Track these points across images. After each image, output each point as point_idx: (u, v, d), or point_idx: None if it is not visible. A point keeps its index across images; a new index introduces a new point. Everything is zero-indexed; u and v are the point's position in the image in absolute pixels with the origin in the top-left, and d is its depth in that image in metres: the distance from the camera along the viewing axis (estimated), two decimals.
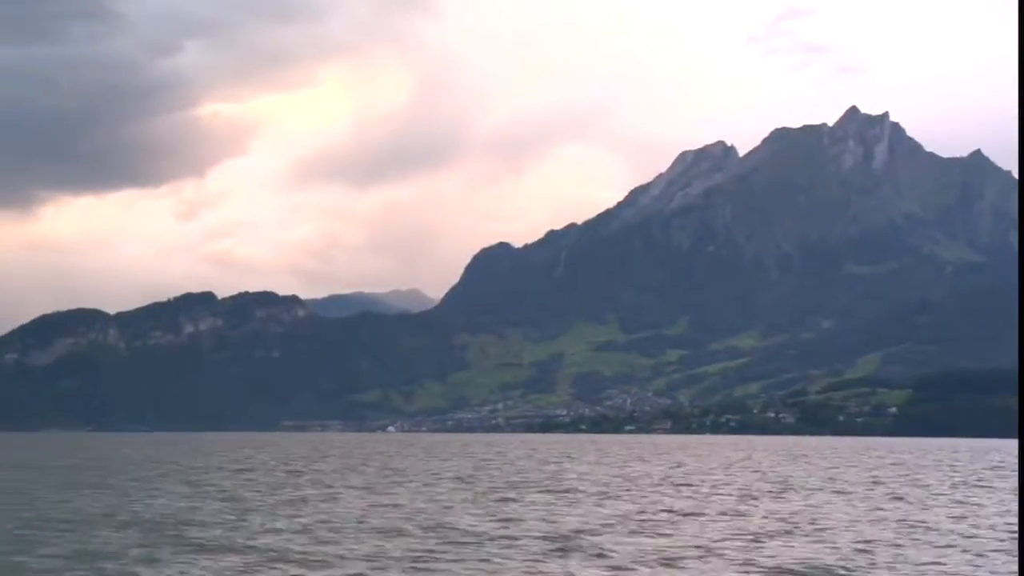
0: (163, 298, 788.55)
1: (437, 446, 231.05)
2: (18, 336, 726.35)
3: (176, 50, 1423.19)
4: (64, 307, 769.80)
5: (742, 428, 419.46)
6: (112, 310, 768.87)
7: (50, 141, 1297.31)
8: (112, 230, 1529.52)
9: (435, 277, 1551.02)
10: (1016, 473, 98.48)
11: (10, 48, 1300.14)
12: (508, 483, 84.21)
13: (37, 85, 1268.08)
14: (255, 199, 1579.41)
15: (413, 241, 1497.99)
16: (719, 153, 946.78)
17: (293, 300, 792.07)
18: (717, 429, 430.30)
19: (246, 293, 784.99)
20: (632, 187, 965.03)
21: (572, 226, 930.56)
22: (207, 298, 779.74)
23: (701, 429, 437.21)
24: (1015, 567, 22.56)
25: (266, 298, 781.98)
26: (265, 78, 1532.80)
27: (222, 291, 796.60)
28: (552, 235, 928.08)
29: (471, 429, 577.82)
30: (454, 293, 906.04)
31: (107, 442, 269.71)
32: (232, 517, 54.07)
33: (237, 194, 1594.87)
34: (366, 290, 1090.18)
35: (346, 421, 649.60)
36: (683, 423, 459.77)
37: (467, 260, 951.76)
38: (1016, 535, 43.03)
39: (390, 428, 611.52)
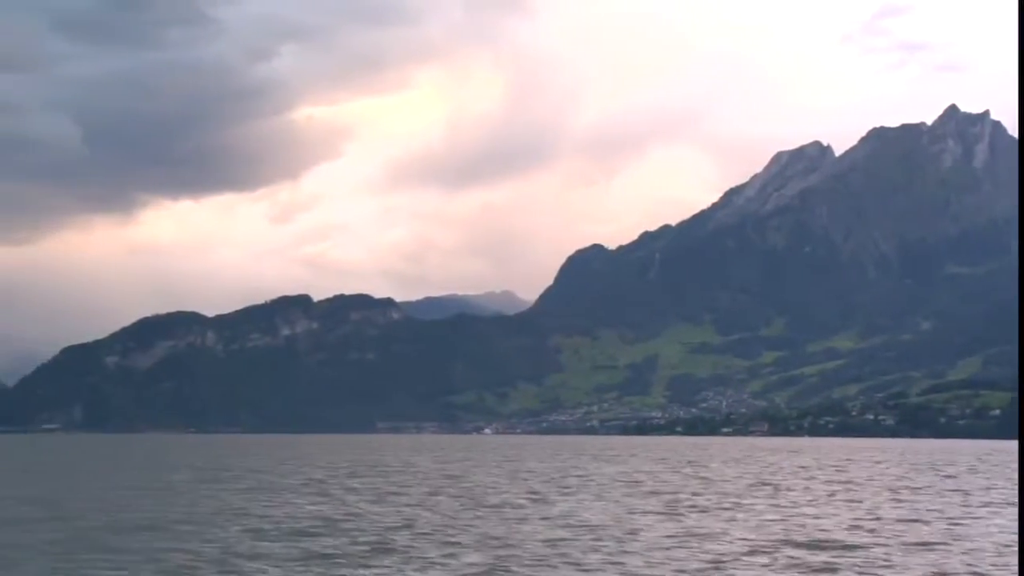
0: (259, 301, 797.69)
1: (575, 447, 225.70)
2: (119, 339, 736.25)
3: (273, 54, 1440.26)
4: (163, 310, 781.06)
5: (841, 430, 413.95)
6: (210, 313, 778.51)
7: (150, 146, 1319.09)
8: (209, 233, 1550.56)
9: (528, 279, 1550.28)
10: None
11: (112, 56, 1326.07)
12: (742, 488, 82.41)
13: (137, 91, 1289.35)
14: (349, 202, 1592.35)
15: (506, 243, 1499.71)
16: (815, 153, 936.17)
17: (388, 303, 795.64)
18: (816, 432, 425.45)
19: (342, 296, 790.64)
20: (726, 188, 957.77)
21: (666, 227, 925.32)
22: (303, 301, 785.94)
23: (799, 431, 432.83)
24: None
25: (361, 301, 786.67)
26: (360, 81, 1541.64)
27: (316, 294, 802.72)
28: (646, 236, 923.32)
29: (566, 431, 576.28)
30: (548, 295, 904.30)
31: (222, 444, 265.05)
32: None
33: (331, 197, 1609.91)
34: (460, 292, 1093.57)
35: (440, 423, 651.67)
36: (780, 425, 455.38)
37: (561, 262, 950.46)
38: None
39: (486, 430, 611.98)
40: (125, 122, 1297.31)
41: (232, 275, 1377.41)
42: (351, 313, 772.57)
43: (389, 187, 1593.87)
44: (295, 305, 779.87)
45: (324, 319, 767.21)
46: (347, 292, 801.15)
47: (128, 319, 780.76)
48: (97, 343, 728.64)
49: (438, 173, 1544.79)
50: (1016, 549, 39.59)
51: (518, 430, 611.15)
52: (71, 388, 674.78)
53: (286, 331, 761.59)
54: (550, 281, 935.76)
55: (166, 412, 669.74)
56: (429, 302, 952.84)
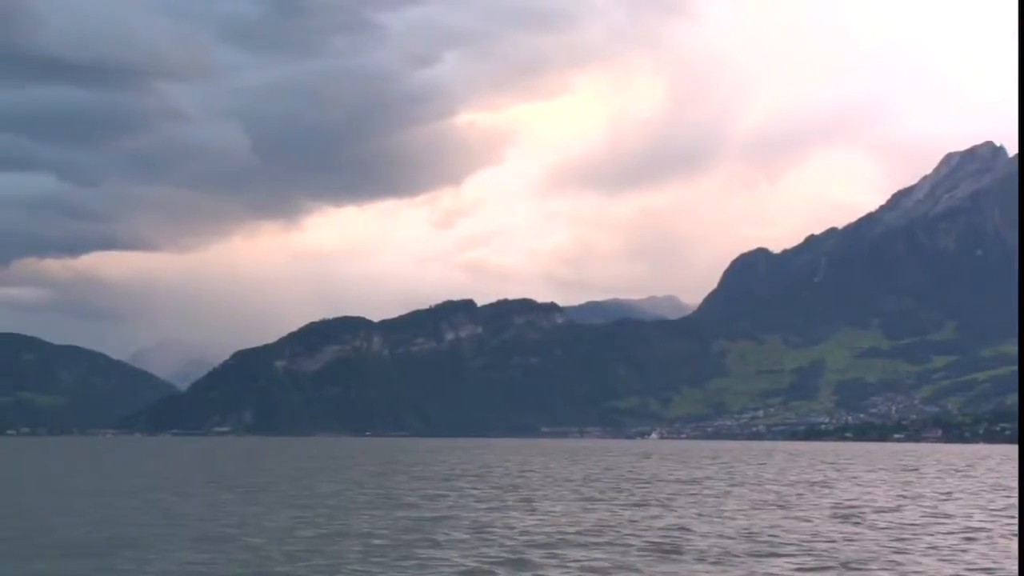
0: (421, 305, 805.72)
1: (796, 453, 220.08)
2: (287, 344, 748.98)
3: (435, 60, 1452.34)
4: (328, 315, 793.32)
5: (1016, 437, 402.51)
6: (374, 317, 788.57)
7: (315, 153, 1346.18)
8: (372, 239, 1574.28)
9: (691, 283, 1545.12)
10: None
11: (278, 65, 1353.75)
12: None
13: (302, 99, 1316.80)
14: (510, 207, 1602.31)
15: (668, 247, 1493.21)
16: (987, 154, 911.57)
17: (551, 307, 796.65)
18: (991, 438, 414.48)
19: (505, 300, 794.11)
20: (893, 190, 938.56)
21: (832, 230, 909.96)
22: (467, 305, 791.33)
23: (973, 438, 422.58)
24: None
25: (525, 305, 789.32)
26: (521, 86, 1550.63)
27: (478, 298, 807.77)
28: (812, 240, 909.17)
29: (731, 436, 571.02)
30: (712, 299, 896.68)
31: (419, 448, 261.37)
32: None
33: (492, 202, 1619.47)
34: (622, 297, 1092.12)
35: (604, 427, 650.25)
36: (954, 432, 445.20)
37: (724, 266, 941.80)
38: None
39: (652, 435, 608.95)
40: (291, 130, 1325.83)
41: (395, 280, 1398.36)
42: (515, 317, 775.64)
43: (549, 192, 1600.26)
44: (459, 310, 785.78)
45: (488, 323, 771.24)
46: (509, 297, 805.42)
47: (295, 324, 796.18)
48: (266, 347, 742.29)
49: (598, 177, 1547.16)
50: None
51: (683, 435, 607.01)
52: (241, 392, 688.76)
53: (450, 335, 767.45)
54: (713, 285, 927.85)
55: (333, 416, 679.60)
56: (591, 307, 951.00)
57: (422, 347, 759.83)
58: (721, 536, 45.91)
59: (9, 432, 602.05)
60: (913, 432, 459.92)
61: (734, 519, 54.21)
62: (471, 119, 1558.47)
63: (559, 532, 46.98)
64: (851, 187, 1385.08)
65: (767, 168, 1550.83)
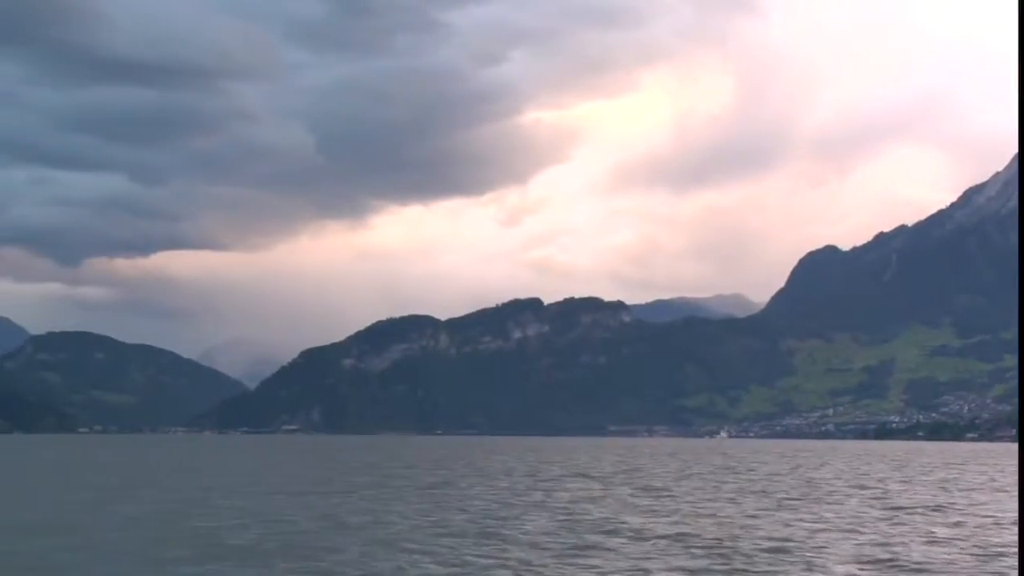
0: (487, 304, 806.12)
1: (882, 454, 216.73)
2: (355, 342, 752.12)
3: (501, 59, 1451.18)
4: (395, 313, 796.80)
5: None
6: (441, 316, 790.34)
7: (381, 152, 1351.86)
8: (438, 238, 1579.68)
9: (759, 281, 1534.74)
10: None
11: (344, 64, 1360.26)
12: None
13: (367, 98, 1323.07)
14: (576, 205, 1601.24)
15: (735, 245, 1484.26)
16: None
17: (618, 305, 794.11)
18: None
19: (572, 299, 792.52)
20: (963, 187, 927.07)
21: (902, 228, 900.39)
22: (534, 304, 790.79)
23: None
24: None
25: (592, 304, 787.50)
26: (588, 84, 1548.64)
27: (544, 297, 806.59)
28: (881, 237, 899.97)
29: (800, 436, 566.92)
30: (780, 297, 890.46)
31: (499, 447, 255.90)
32: None
33: (558, 201, 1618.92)
34: (689, 295, 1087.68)
35: (672, 426, 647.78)
36: None
37: (792, 264, 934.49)
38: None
39: (721, 434, 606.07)
40: (357, 129, 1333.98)
41: (461, 279, 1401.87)
42: (581, 316, 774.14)
43: (615, 190, 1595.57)
44: (526, 308, 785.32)
45: (555, 322, 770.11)
46: (575, 295, 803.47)
47: (362, 323, 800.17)
48: (334, 346, 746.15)
49: (664, 175, 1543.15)
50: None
51: (751, 434, 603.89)
52: (310, 390, 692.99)
53: (517, 334, 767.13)
54: (781, 283, 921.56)
55: (400, 414, 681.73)
56: (658, 305, 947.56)
57: (489, 346, 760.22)
58: None
59: (81, 430, 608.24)
60: (986, 431, 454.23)
61: None
62: (538, 117, 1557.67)
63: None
64: (921, 184, 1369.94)
65: (836, 165, 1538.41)
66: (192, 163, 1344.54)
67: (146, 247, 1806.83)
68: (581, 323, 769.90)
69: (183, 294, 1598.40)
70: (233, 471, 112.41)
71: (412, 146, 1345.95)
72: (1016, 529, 46.59)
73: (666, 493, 74.55)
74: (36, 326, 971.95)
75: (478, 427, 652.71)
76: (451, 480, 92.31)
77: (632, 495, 72.36)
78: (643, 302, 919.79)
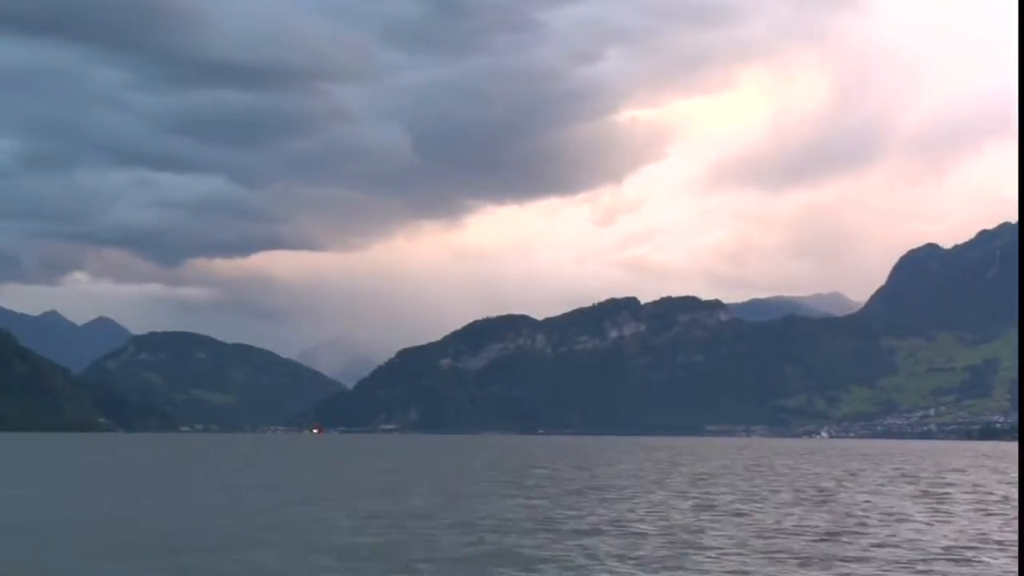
0: (583, 303, 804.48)
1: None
2: (451, 342, 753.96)
3: (598, 58, 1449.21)
4: (490, 313, 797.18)
5: None
6: (536, 315, 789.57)
7: (476, 152, 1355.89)
8: (533, 237, 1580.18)
9: (858, 280, 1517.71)
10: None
11: (440, 64, 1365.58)
12: None
13: (464, 97, 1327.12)
14: (671, 204, 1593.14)
15: (833, 244, 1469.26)
16: None
17: (716, 304, 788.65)
18: None
19: (669, 298, 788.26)
20: None
21: (1005, 225, 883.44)
22: (630, 303, 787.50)
23: None
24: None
25: (689, 303, 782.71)
26: (683, 82, 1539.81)
27: (640, 296, 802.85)
28: (984, 235, 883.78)
29: (901, 436, 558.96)
30: (880, 296, 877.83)
31: (610, 448, 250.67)
32: None
33: (653, 200, 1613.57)
34: (786, 294, 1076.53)
35: (771, 426, 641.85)
36: None
37: (892, 262, 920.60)
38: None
39: (822, 434, 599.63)
40: (453, 129, 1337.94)
41: (556, 278, 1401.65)
42: (678, 315, 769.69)
43: (711, 188, 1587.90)
44: (622, 307, 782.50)
45: (651, 321, 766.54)
46: (672, 294, 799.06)
47: (458, 322, 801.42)
48: (431, 346, 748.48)
49: (760, 173, 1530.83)
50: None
51: (851, 434, 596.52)
52: (407, 390, 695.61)
53: (614, 333, 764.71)
54: (881, 282, 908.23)
55: (497, 414, 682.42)
56: (755, 304, 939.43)
57: (585, 345, 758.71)
58: None
59: (183, 429, 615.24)
60: None
61: None
62: (633, 116, 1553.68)
63: None
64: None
65: (936, 162, 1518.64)
66: (290, 164, 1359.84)
67: (245, 248, 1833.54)
68: (678, 322, 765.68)
69: (281, 294, 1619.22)
70: (447, 473, 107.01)
71: (508, 146, 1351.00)
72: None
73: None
74: (138, 326, 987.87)
75: (575, 427, 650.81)
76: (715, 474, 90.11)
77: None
78: (740, 301, 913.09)
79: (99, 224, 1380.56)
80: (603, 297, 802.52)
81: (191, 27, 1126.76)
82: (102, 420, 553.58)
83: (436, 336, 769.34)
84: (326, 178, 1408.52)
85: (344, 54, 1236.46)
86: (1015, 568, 37.12)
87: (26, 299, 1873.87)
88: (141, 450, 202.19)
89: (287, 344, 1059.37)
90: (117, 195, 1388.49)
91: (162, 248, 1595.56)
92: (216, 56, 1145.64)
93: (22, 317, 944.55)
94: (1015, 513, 58.07)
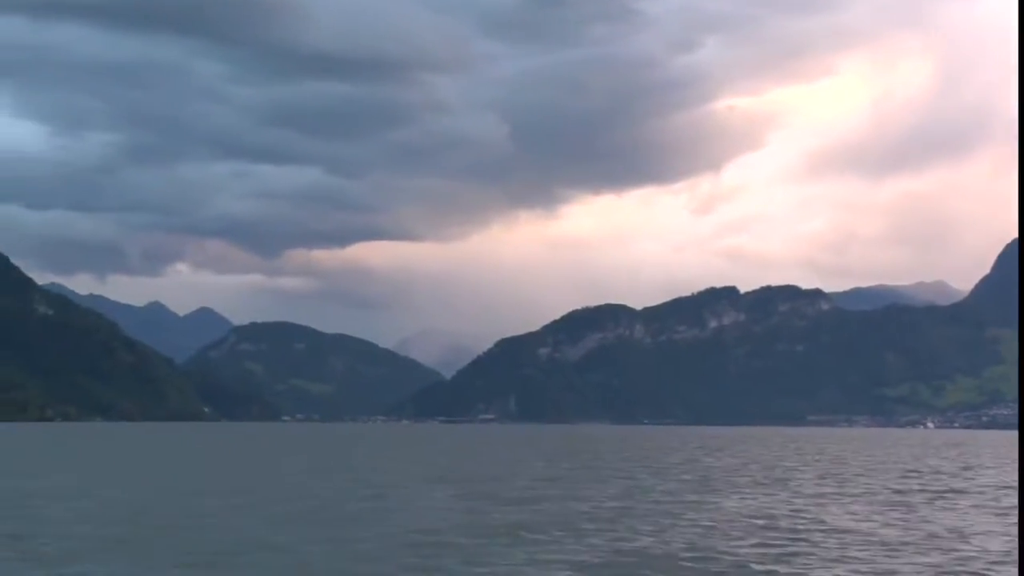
0: (681, 293, 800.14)
1: None
2: (550, 332, 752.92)
3: (696, 46, 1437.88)
4: (589, 303, 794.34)
5: None
6: (634, 305, 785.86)
7: (573, 142, 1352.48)
8: (630, 227, 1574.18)
9: (962, 268, 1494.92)
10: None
11: (537, 54, 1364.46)
12: None
13: (561, 87, 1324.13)
14: (769, 193, 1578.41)
15: (935, 232, 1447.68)
16: None
17: (816, 293, 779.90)
18: None
19: (768, 287, 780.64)
20: None
21: None
22: (730, 292, 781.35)
23: None
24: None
25: (789, 292, 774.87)
26: (783, 70, 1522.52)
27: (739, 285, 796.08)
28: None
29: (1008, 426, 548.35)
30: (984, 284, 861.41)
31: (730, 438, 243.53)
32: None
33: (752, 188, 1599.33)
34: (888, 282, 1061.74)
35: (873, 416, 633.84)
36: None
37: (997, 250, 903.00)
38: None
39: (928, 423, 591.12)
40: (549, 119, 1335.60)
41: (654, 267, 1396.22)
42: (778, 304, 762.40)
43: (810, 176, 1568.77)
44: (722, 297, 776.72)
45: (751, 310, 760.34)
46: (772, 283, 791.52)
47: (555, 312, 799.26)
48: (530, 335, 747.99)
49: (861, 161, 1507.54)
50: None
51: (956, 424, 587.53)
52: (505, 380, 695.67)
53: (713, 323, 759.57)
54: (986, 270, 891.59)
55: (596, 403, 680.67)
56: (856, 293, 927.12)
57: (684, 335, 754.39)
58: None
59: (284, 419, 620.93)
60: None
61: None
62: (731, 104, 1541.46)
63: None
64: None
65: None
66: (388, 155, 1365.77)
67: (343, 238, 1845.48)
68: (778, 311, 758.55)
69: (379, 284, 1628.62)
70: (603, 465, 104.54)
71: (605, 135, 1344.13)
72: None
73: None
74: (238, 317, 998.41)
75: (675, 416, 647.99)
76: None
77: None
78: (840, 290, 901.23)
79: (200, 216, 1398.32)
80: (701, 286, 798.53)
81: (291, 20, 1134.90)
82: (206, 409, 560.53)
83: (533, 326, 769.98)
84: (424, 168, 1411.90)
85: (442, 45, 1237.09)
86: None
87: (130, 290, 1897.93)
88: (283, 439, 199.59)
89: (385, 334, 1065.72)
90: (218, 187, 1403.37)
91: (261, 239, 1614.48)
92: (315, 48, 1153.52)
93: (127, 308, 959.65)
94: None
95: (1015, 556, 37.10)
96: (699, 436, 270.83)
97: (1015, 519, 49.37)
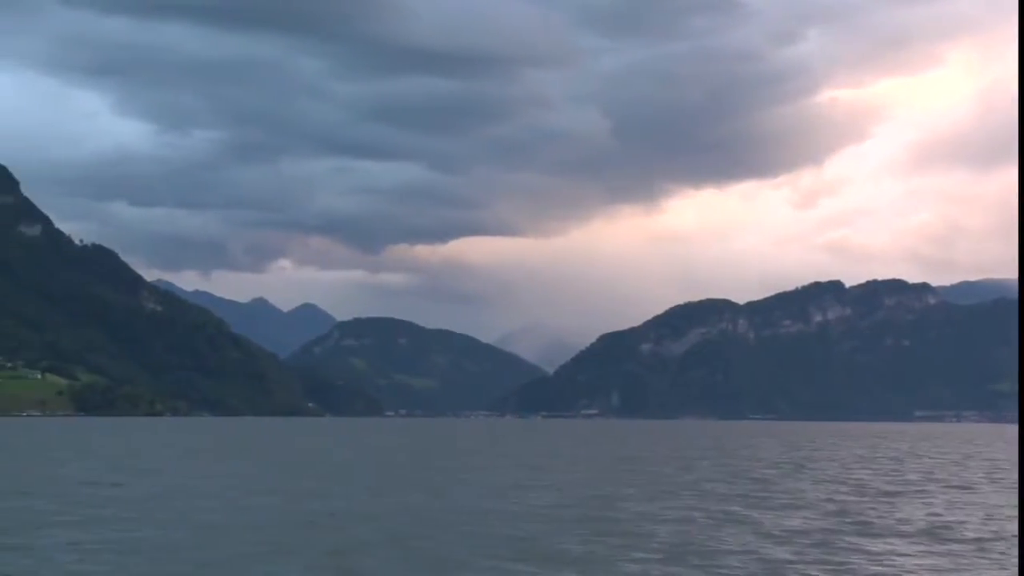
0: (784, 287, 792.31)
1: None
2: (652, 327, 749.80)
3: (798, 38, 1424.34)
4: (692, 298, 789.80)
5: None
6: (737, 299, 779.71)
7: (674, 135, 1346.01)
8: (731, 221, 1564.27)
9: None
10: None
11: (638, 47, 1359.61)
12: None
13: (662, 81, 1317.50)
14: (873, 186, 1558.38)
15: None
16: None
17: (923, 287, 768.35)
18: None
19: (874, 281, 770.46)
20: None
21: None
22: (835, 287, 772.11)
23: None
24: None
25: (895, 286, 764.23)
26: (887, 61, 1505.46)
27: (842, 279, 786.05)
28: None
29: None
30: None
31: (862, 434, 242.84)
32: None
33: (855, 181, 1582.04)
34: (997, 276, 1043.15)
35: (982, 411, 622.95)
36: None
37: None
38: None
39: None
40: (651, 113, 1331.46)
41: (756, 261, 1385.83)
42: (884, 298, 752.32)
43: (915, 169, 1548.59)
44: (826, 291, 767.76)
45: (856, 304, 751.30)
46: (879, 277, 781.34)
47: (657, 307, 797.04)
48: (632, 331, 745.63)
49: (967, 153, 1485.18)
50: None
51: None
52: (608, 375, 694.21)
53: (818, 317, 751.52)
54: None
55: (699, 398, 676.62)
56: (964, 287, 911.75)
57: (789, 329, 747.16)
58: None
59: (388, 414, 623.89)
60: None
61: None
62: (834, 96, 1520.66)
63: None
64: None
65: None
66: (488, 150, 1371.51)
67: (444, 234, 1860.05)
68: (884, 305, 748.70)
69: (480, 279, 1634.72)
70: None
71: (706, 129, 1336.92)
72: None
73: None
74: (341, 312, 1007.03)
75: (777, 412, 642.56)
76: None
77: None
78: (947, 284, 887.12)
79: (303, 212, 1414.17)
80: (804, 280, 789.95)
81: (392, 15, 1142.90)
82: (310, 404, 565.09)
83: (634, 321, 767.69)
84: (524, 163, 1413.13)
85: (542, 39, 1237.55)
86: None
87: (235, 286, 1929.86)
88: (424, 435, 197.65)
89: (486, 329, 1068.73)
90: (319, 183, 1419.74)
91: (364, 235, 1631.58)
92: (415, 44, 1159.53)
93: (232, 304, 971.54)
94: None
95: None
96: (841, 432, 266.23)
97: None
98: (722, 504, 49.71)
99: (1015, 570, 32.88)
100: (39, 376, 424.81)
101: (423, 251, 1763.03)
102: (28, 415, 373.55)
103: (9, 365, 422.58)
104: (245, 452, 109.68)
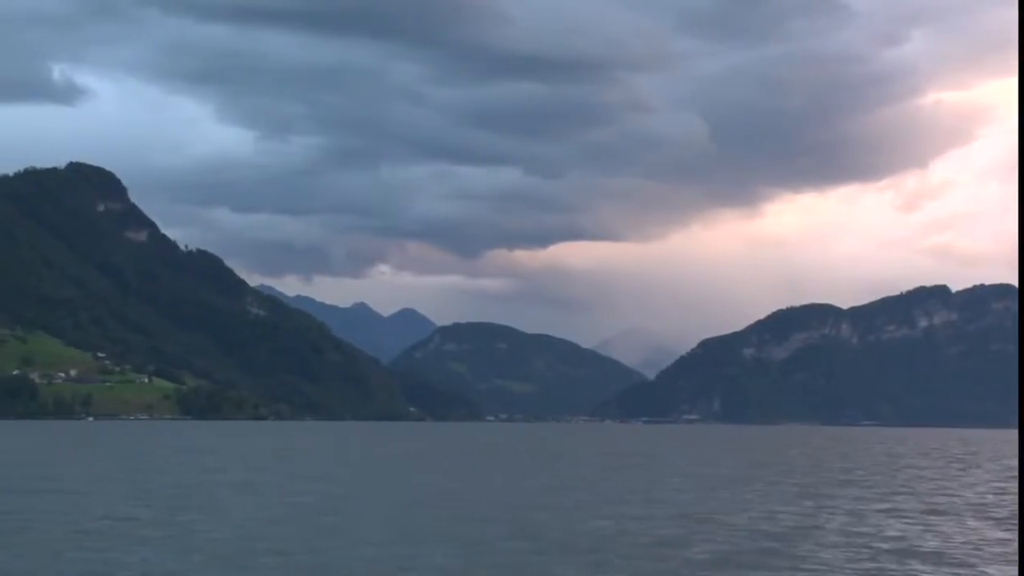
0: (888, 292, 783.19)
1: None
2: (755, 331, 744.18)
3: (903, 39, 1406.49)
4: (794, 302, 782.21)
5: None
6: (840, 304, 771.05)
7: (774, 139, 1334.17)
8: (832, 225, 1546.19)
9: None
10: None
11: (737, 51, 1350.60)
12: None
13: (762, 84, 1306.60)
14: (980, 189, 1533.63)
15: None
16: None
17: None
18: None
19: (981, 286, 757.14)
20: None
21: None
22: (940, 291, 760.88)
23: None
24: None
25: (1003, 290, 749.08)
26: (994, 62, 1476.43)
27: (948, 283, 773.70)
28: None
29: None
30: None
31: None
32: None
33: (960, 184, 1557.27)
34: None
35: None
36: None
37: None
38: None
39: None
40: (750, 116, 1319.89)
41: (859, 266, 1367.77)
42: (991, 303, 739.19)
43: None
44: (932, 296, 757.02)
45: (963, 309, 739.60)
46: (984, 282, 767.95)
47: (759, 311, 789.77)
48: (734, 335, 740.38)
49: None
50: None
51: None
52: (709, 380, 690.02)
53: (923, 322, 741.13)
54: None
55: (801, 403, 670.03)
56: None
57: (893, 334, 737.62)
58: None
59: (488, 418, 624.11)
60: None
61: None
62: (939, 98, 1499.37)
63: None
64: None
65: None
66: (586, 155, 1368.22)
67: (543, 239, 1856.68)
68: (991, 310, 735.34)
69: (579, 285, 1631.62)
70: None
71: (807, 132, 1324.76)
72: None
73: None
74: (440, 317, 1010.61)
75: (881, 417, 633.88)
76: None
77: None
78: None
79: (401, 217, 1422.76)
80: (908, 285, 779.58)
81: (489, 21, 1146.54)
82: (412, 409, 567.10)
83: (735, 326, 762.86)
84: (623, 168, 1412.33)
85: (640, 43, 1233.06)
86: None
87: (335, 291, 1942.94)
88: (570, 439, 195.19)
89: (585, 334, 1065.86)
90: (418, 188, 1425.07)
91: (462, 240, 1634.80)
92: (513, 49, 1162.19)
93: (333, 309, 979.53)
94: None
95: None
96: (968, 438, 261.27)
97: None
98: None
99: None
100: (147, 380, 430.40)
101: (522, 256, 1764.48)
102: (136, 419, 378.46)
103: (117, 369, 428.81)
104: (437, 462, 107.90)
